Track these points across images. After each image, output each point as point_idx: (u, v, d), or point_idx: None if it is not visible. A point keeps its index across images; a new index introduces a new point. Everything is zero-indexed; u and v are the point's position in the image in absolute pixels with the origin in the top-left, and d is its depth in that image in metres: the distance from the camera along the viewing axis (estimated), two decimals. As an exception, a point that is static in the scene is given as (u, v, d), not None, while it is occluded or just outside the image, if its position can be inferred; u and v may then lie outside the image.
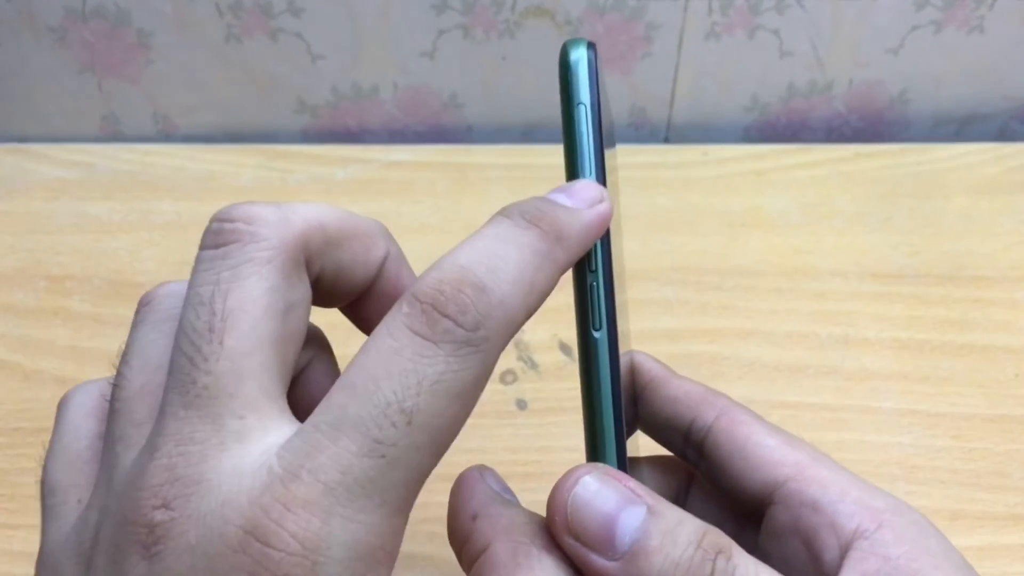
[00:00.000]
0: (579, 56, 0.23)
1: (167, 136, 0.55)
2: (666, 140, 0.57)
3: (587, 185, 0.23)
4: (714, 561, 0.20)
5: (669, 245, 0.47)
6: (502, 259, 0.20)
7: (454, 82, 0.54)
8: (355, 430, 0.18)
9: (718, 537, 0.21)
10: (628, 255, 0.47)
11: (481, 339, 0.19)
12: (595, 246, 0.23)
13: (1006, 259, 0.47)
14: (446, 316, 0.19)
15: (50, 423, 0.40)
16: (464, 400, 0.19)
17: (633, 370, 0.28)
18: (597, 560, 0.20)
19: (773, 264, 0.47)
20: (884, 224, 0.49)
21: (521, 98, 0.54)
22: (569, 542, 0.20)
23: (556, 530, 0.21)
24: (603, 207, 0.23)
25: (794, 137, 0.57)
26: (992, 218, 0.49)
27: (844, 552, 0.22)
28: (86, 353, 0.43)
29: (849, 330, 0.44)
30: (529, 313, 0.21)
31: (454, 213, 0.49)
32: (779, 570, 0.22)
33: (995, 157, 0.52)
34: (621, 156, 0.52)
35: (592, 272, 0.23)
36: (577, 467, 0.21)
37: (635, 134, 0.56)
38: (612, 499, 0.20)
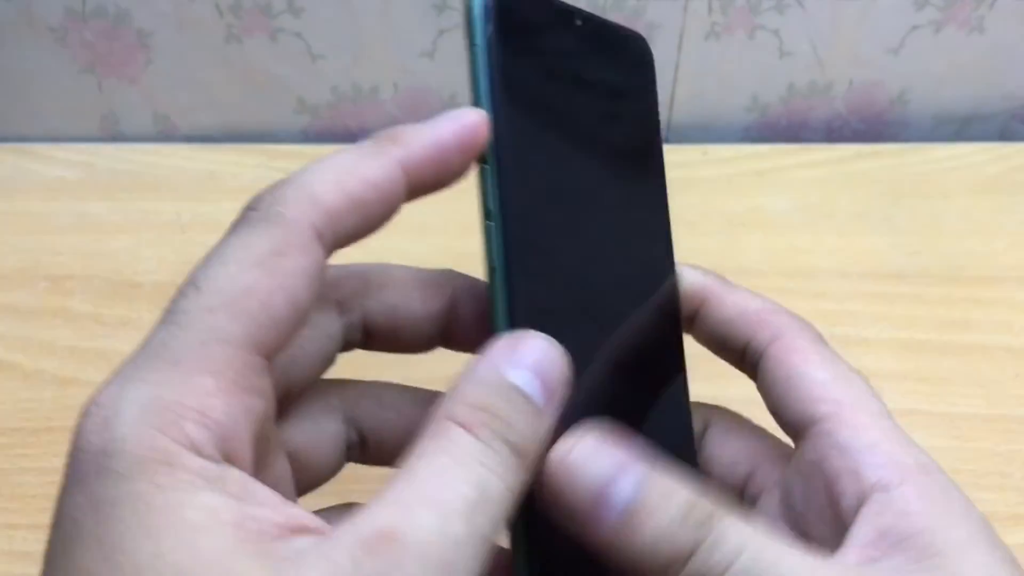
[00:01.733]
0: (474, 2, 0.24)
1: (167, 136, 0.55)
2: (666, 140, 0.57)
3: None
4: (699, 530, 0.20)
5: (669, 245, 0.47)
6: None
7: (454, 82, 0.54)
8: (164, 311, 0.20)
9: (707, 506, 0.20)
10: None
11: None
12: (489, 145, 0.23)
13: (1006, 259, 0.47)
14: None
15: (50, 423, 0.40)
16: (265, 269, 0.20)
17: (679, 292, 0.27)
18: (589, 527, 0.20)
19: (773, 264, 0.47)
20: (884, 224, 0.49)
21: (521, 98, 0.54)
22: (562, 507, 0.21)
23: (549, 495, 0.21)
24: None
25: (794, 137, 0.57)
26: (992, 218, 0.49)
27: (862, 502, 0.22)
28: (86, 353, 0.43)
29: (849, 330, 0.44)
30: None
31: (454, 213, 0.49)
32: (798, 507, 0.24)
33: (995, 157, 0.52)
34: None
35: (485, 164, 0.23)
36: (571, 433, 0.21)
37: (635, 134, 0.56)
38: (606, 466, 0.21)
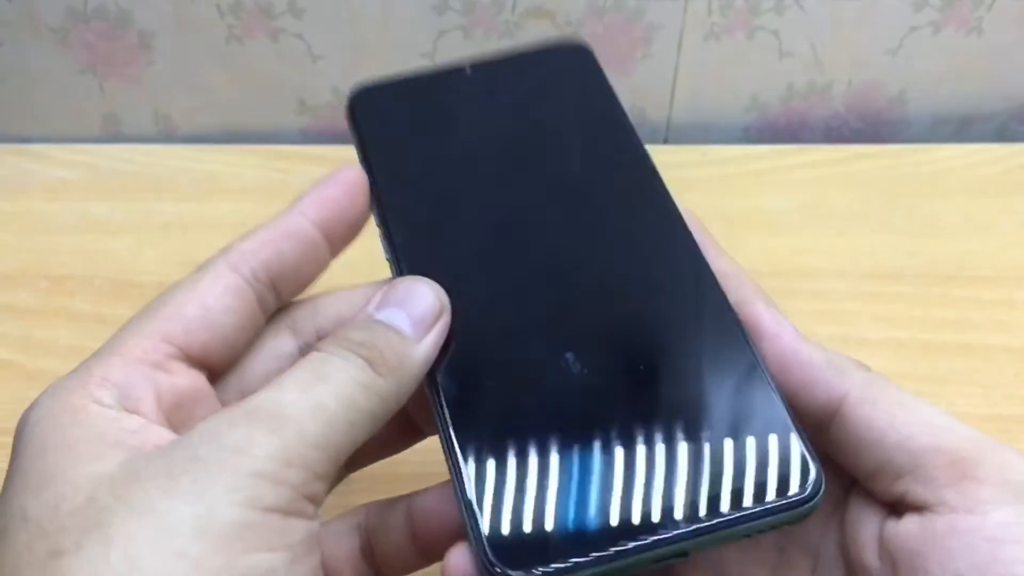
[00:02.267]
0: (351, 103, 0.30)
1: (168, 137, 0.55)
2: (665, 141, 0.57)
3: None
4: None
5: (669, 245, 0.48)
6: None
7: (454, 83, 0.54)
8: None
9: None
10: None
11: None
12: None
13: (1005, 259, 0.47)
14: None
15: (51, 423, 0.40)
16: (182, 288, 0.26)
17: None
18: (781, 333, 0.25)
19: (772, 264, 0.47)
20: (883, 224, 0.49)
21: (521, 99, 0.54)
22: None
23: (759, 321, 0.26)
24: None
25: (793, 138, 0.57)
26: (991, 218, 0.49)
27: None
28: (87, 353, 0.42)
29: (848, 330, 0.44)
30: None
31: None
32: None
33: (994, 157, 0.52)
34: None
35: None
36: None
37: (635, 135, 0.56)
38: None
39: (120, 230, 0.48)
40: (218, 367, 0.25)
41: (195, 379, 0.24)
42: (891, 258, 0.47)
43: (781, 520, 0.22)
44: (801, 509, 0.22)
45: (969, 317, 0.45)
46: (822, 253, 0.47)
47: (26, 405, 0.43)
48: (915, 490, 0.22)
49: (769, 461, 0.23)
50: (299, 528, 0.20)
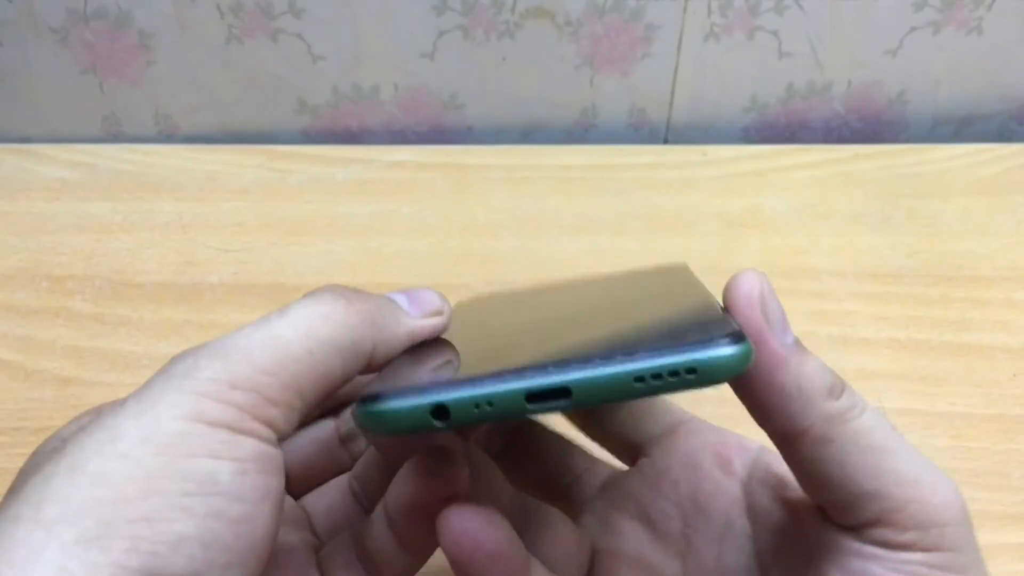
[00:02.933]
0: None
1: (168, 137, 0.56)
2: (665, 141, 0.57)
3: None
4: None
5: (668, 245, 0.48)
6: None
7: (454, 83, 0.54)
8: None
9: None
10: (628, 255, 0.47)
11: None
12: None
13: (1004, 259, 0.47)
14: None
15: (51, 423, 0.40)
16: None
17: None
18: (776, 339, 0.22)
19: (772, 264, 0.47)
20: (883, 224, 0.49)
21: (521, 99, 0.54)
22: (760, 318, 0.23)
23: (751, 306, 0.23)
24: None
25: (793, 138, 0.57)
26: (990, 218, 0.49)
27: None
28: (87, 353, 0.43)
29: (848, 330, 0.44)
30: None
31: (454, 213, 0.49)
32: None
33: (993, 157, 0.52)
34: (621, 156, 0.52)
35: None
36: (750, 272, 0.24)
37: (635, 135, 0.56)
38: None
39: (120, 230, 0.48)
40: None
41: None
42: (891, 258, 0.47)
43: (680, 363, 0.20)
44: (706, 360, 0.20)
45: (968, 317, 0.45)
46: (822, 253, 0.47)
47: (26, 405, 0.44)
48: (846, 525, 0.23)
49: (682, 324, 0.22)
50: (249, 444, 0.20)
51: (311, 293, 0.22)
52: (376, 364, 0.23)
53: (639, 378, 0.20)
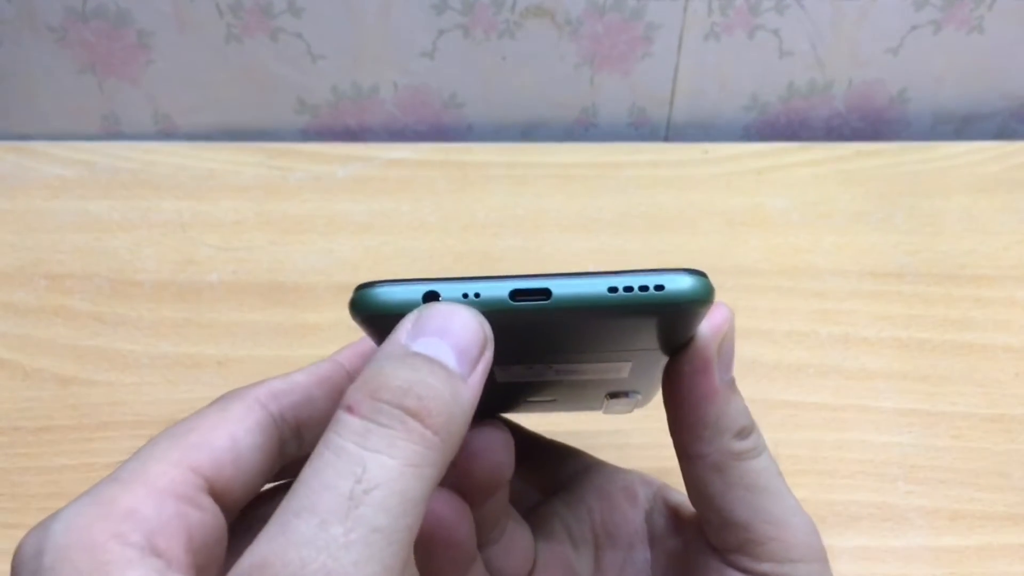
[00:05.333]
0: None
1: (167, 135, 0.55)
2: (666, 139, 0.57)
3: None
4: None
5: (669, 244, 0.47)
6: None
7: (454, 82, 0.54)
8: None
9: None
10: (629, 253, 0.47)
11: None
12: None
13: (1006, 258, 0.47)
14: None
15: (50, 422, 0.40)
16: (207, 417, 0.23)
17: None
18: (717, 373, 0.24)
19: (773, 263, 0.47)
20: (884, 223, 0.49)
21: (521, 97, 0.54)
22: (714, 350, 0.24)
23: (712, 337, 0.24)
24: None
25: (794, 137, 0.57)
26: (992, 217, 0.49)
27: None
28: (86, 352, 0.43)
29: (849, 329, 0.44)
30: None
31: (454, 211, 0.49)
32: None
33: (995, 156, 0.52)
34: (622, 154, 0.52)
35: None
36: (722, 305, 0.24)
37: (635, 133, 0.56)
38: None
39: (119, 228, 0.48)
40: (232, 508, 0.22)
41: (220, 517, 0.21)
42: (892, 257, 0.47)
43: (650, 280, 0.21)
44: (673, 280, 0.21)
45: (970, 316, 0.44)
46: (822, 252, 0.47)
47: (25, 404, 0.43)
48: (717, 546, 0.26)
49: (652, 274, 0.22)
50: None
51: (370, 412, 0.18)
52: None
53: (612, 288, 0.21)
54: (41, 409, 0.41)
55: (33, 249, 0.47)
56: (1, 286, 0.45)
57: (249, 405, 0.23)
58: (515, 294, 0.21)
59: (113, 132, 0.55)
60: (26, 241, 0.47)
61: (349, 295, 0.22)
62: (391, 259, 0.47)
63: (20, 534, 0.37)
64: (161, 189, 0.50)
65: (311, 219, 0.48)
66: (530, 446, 0.31)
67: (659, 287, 0.21)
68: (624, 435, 0.39)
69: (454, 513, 0.25)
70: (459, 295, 0.21)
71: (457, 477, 0.25)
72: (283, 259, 0.47)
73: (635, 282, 0.21)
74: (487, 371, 0.20)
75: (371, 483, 0.17)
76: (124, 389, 0.41)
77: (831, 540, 0.37)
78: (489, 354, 0.20)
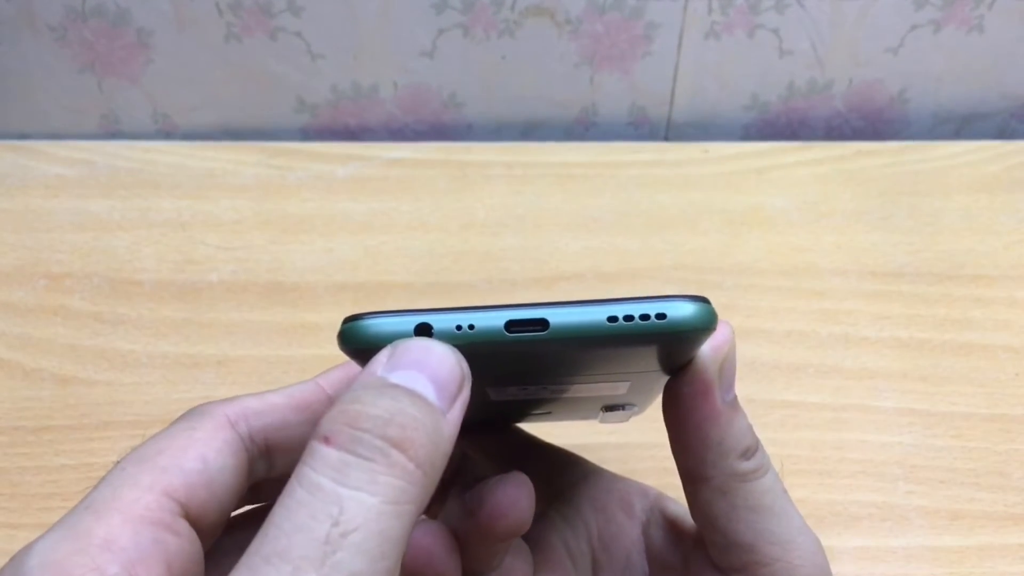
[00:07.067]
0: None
1: (167, 134, 0.55)
2: (666, 139, 0.57)
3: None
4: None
5: (669, 243, 0.47)
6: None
7: (454, 81, 0.53)
8: None
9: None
10: (629, 253, 0.47)
11: None
12: None
13: (1006, 257, 0.47)
14: None
15: (49, 422, 0.40)
16: (176, 438, 0.22)
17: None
18: (719, 393, 0.23)
19: (773, 262, 0.47)
20: (884, 222, 0.49)
21: (521, 96, 0.54)
22: (715, 371, 0.23)
23: (714, 359, 0.23)
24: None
25: (794, 136, 0.57)
26: (992, 216, 0.49)
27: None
28: (86, 351, 0.43)
29: (849, 329, 0.44)
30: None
31: (454, 210, 0.49)
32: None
33: (995, 155, 0.52)
34: (622, 154, 0.52)
35: None
36: (724, 323, 0.23)
37: (635, 133, 0.56)
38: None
39: (119, 227, 0.48)
40: (207, 532, 0.21)
41: (196, 543, 0.21)
42: (892, 256, 0.47)
43: (651, 308, 0.20)
44: (675, 308, 0.20)
45: (970, 316, 0.44)
46: (822, 251, 0.47)
47: (25, 404, 0.43)
48: (720, 566, 0.26)
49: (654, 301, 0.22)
50: None
51: (348, 443, 0.17)
52: None
53: (612, 317, 0.20)
54: (41, 409, 0.40)
55: (32, 248, 0.47)
56: (0, 286, 0.45)
57: (218, 424, 0.22)
58: (511, 325, 0.20)
59: (112, 131, 0.55)
60: (25, 240, 0.47)
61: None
62: (391, 258, 0.47)
63: (21, 534, 0.37)
64: (161, 188, 0.50)
65: (311, 219, 0.48)
66: (527, 451, 0.31)
67: (660, 315, 0.20)
68: (624, 434, 0.39)
69: (440, 548, 0.23)
70: (452, 327, 0.20)
71: (478, 531, 0.24)
72: (283, 258, 0.47)
73: (635, 311, 0.20)
74: (464, 409, 0.19)
75: (349, 525, 0.16)
76: (124, 389, 0.41)
77: (831, 540, 0.37)
78: (466, 393, 0.20)
